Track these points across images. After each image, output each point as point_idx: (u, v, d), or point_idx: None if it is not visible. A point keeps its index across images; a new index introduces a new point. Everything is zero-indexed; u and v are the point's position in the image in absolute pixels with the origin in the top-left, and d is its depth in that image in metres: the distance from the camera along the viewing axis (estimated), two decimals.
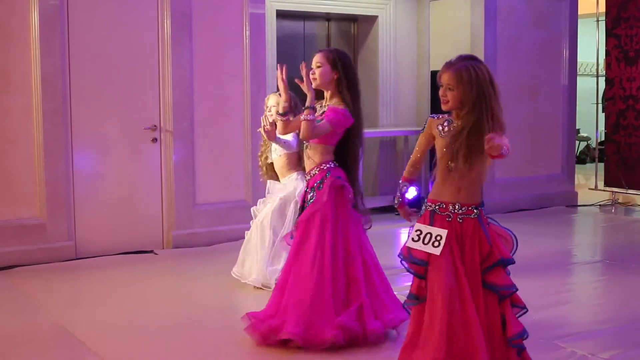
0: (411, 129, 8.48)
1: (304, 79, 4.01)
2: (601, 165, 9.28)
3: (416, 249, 3.22)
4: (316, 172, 4.17)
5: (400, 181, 3.51)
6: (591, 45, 9.66)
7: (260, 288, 5.12)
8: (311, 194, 4.17)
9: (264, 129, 4.79)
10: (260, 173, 5.56)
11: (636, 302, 4.94)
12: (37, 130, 5.99)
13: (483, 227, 3.21)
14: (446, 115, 3.30)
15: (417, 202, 8.12)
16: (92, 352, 4.01)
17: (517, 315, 3.27)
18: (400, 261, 3.30)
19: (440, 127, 3.27)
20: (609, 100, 8.93)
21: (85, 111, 6.20)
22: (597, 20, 9.23)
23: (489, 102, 3.16)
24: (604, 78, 9.21)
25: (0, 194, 5.91)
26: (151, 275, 5.69)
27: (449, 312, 3.13)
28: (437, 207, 3.25)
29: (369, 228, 4.31)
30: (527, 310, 3.30)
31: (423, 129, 3.37)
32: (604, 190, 9.06)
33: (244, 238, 5.36)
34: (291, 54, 8.25)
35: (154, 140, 6.49)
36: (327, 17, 8.59)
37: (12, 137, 5.94)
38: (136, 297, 5.11)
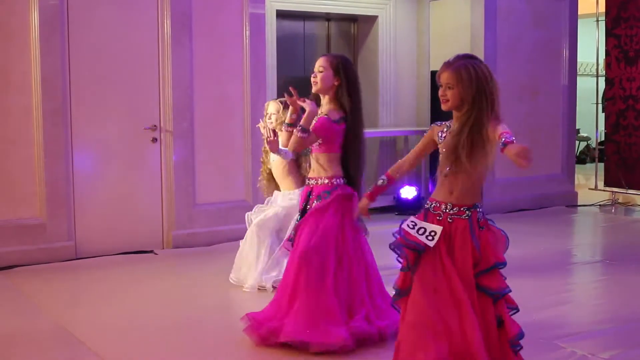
0: (411, 129, 8.49)
1: (294, 102, 4.08)
2: (601, 165, 9.28)
3: (413, 235, 3.22)
4: (325, 181, 4.17)
5: (383, 175, 3.50)
6: (591, 45, 9.66)
7: (257, 289, 5.11)
8: (316, 201, 4.17)
9: (267, 140, 4.77)
10: (258, 185, 5.55)
11: (636, 302, 4.94)
12: (37, 131, 5.99)
13: (472, 231, 3.21)
14: (447, 122, 3.31)
15: (417, 202, 8.15)
16: (92, 352, 4.01)
17: (509, 315, 3.27)
18: (393, 249, 3.28)
19: (441, 133, 3.29)
20: (609, 100, 8.92)
21: (85, 111, 6.20)
22: (597, 20, 9.22)
23: (489, 99, 3.16)
24: (604, 78, 9.20)
25: (0, 194, 5.91)
26: (151, 275, 5.69)
27: (431, 307, 3.14)
28: (431, 205, 3.28)
29: (368, 235, 4.33)
30: (519, 310, 3.30)
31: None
32: (604, 190, 9.05)
33: (244, 238, 5.35)
34: (291, 54, 8.26)
35: (154, 140, 6.49)
36: (327, 17, 8.59)
37: (12, 137, 5.93)
38: (136, 297, 5.11)
